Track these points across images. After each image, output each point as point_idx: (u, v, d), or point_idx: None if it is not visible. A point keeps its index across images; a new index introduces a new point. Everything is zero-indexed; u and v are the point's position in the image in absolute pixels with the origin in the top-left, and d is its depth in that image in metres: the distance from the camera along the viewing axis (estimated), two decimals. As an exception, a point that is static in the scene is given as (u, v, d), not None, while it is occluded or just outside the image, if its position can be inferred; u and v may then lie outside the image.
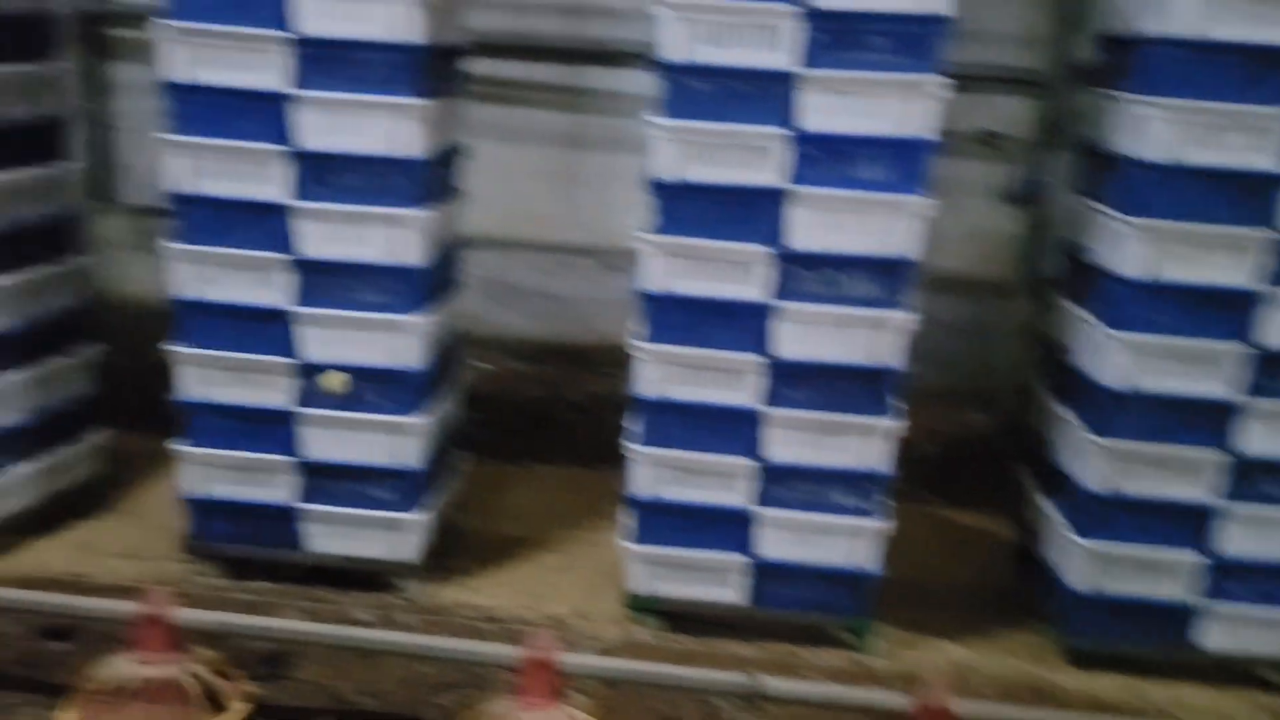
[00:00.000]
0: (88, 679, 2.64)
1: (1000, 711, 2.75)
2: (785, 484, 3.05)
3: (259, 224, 3.04)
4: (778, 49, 2.76)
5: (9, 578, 3.10)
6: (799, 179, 2.84)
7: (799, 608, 3.15)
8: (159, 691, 2.55)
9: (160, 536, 3.45)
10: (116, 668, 2.59)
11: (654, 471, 3.08)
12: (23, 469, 3.40)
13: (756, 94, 2.80)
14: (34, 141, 3.36)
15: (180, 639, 2.62)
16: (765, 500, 3.07)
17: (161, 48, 2.94)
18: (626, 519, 3.16)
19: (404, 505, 3.23)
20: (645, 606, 3.21)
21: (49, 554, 3.36)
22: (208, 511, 3.28)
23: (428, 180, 3.07)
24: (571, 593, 3.35)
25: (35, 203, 3.37)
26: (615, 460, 3.15)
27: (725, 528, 3.10)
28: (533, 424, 4.18)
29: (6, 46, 3.22)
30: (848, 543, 3.06)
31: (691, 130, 2.83)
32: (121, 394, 3.75)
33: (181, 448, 3.22)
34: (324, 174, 3.00)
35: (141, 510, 3.66)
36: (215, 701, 2.63)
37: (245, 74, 2.94)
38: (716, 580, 3.15)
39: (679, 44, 2.79)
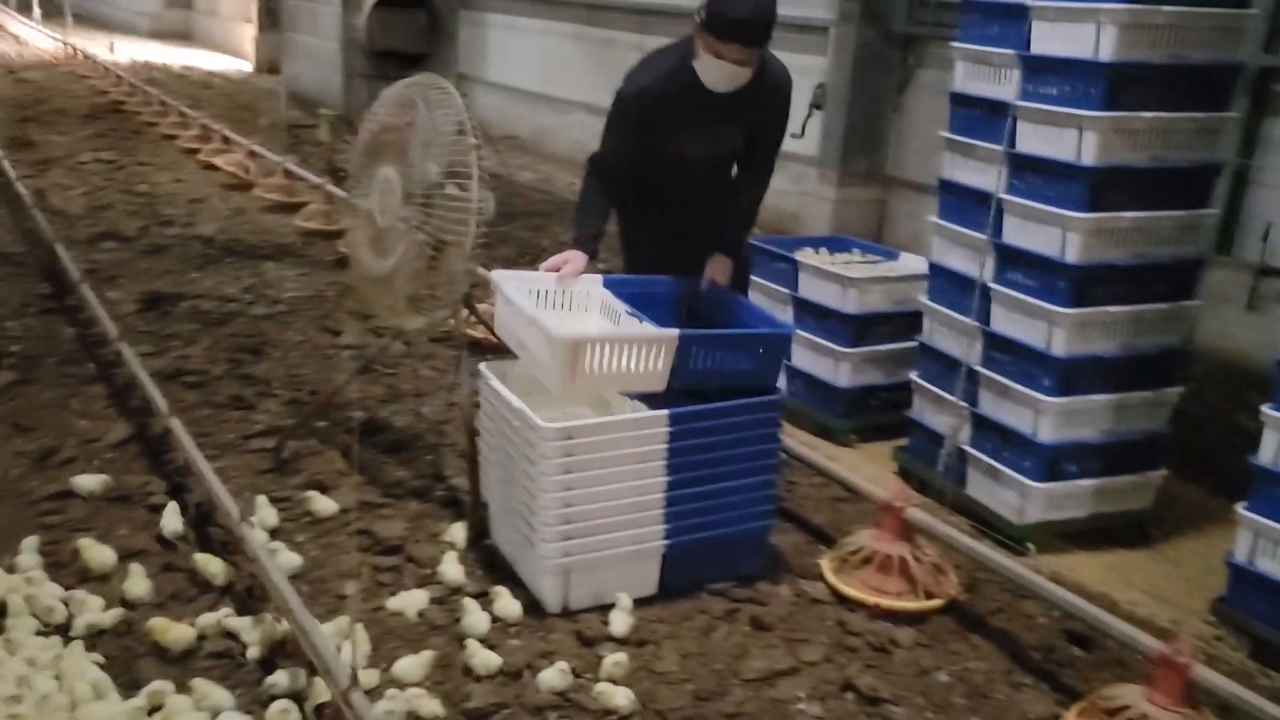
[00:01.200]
0: (1096, 694, 2.76)
1: None
2: None
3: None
4: None
5: (1045, 571, 3.38)
6: None
7: None
8: (1161, 737, 2.56)
9: (1190, 588, 3.43)
10: (1126, 695, 2.66)
11: None
12: (1085, 483, 3.64)
13: None
14: (1184, 186, 3.53)
15: (1195, 694, 2.58)
16: None
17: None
18: None
19: None
20: None
21: (1083, 565, 3.57)
22: (1250, 582, 3.13)
23: None
24: None
25: (1168, 243, 3.54)
26: None
27: None
28: None
29: (1190, 94, 3.43)
30: None
31: None
32: (1182, 437, 3.78)
33: (1243, 512, 3.12)
34: None
35: (1177, 556, 3.66)
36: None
37: None
38: None
39: None
